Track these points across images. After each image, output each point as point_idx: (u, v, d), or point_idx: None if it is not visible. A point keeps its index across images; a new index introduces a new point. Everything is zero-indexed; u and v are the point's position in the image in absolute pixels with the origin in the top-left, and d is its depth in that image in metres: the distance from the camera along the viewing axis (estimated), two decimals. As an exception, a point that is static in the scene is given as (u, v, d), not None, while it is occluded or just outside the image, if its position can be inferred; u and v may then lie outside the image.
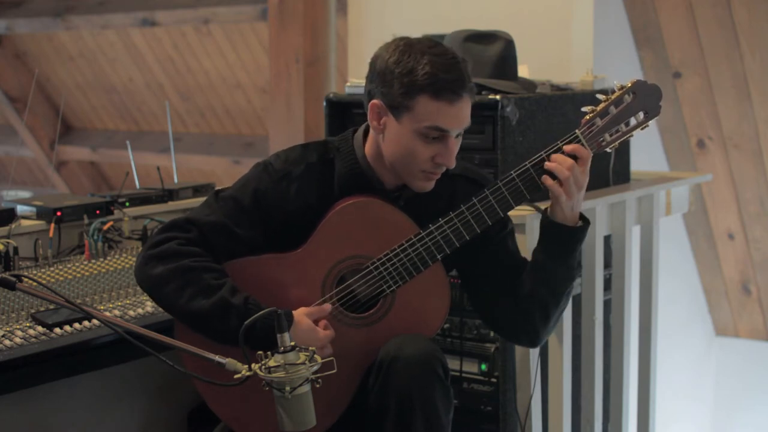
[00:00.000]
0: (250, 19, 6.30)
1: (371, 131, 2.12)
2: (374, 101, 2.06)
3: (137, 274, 2.05)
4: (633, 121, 2.07)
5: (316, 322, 2.03)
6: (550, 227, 2.09)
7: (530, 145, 2.70)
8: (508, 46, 2.86)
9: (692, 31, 4.54)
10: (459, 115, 2.02)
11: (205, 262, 2.02)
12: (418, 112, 2.00)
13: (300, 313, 2.02)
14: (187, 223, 2.07)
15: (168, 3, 6.68)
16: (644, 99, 2.07)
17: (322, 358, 1.90)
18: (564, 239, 2.09)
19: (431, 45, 2.03)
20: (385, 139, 2.07)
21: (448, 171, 2.13)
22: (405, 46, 2.02)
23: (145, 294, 2.08)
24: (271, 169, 2.12)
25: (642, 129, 2.08)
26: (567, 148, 2.04)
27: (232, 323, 1.95)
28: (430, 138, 2.02)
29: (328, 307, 2.06)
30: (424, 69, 1.98)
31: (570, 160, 2.03)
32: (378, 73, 2.04)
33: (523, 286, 2.15)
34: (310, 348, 1.74)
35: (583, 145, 2.05)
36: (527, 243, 2.49)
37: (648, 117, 2.07)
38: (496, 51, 2.82)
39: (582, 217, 2.11)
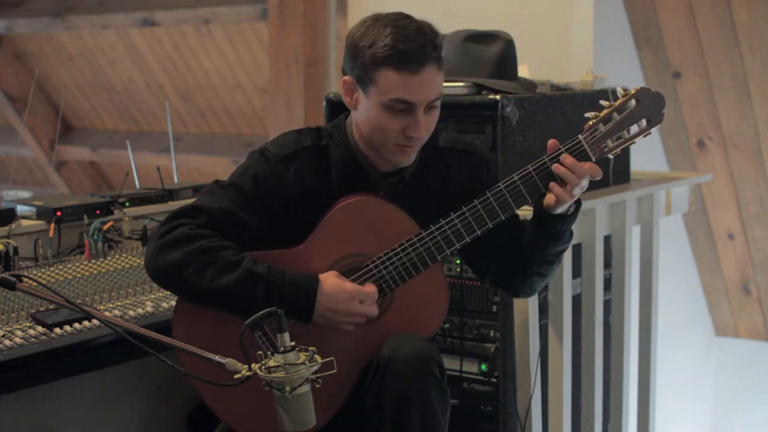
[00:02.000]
0: (250, 19, 6.30)
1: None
2: (345, 77, 2.07)
3: (150, 265, 2.04)
4: (635, 128, 2.07)
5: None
6: (544, 215, 2.10)
7: (530, 145, 2.70)
8: (508, 46, 2.86)
9: (692, 31, 4.54)
10: (423, 86, 2.00)
11: (219, 240, 2.03)
12: (381, 85, 2.00)
13: (328, 275, 2.03)
14: (194, 210, 2.07)
15: (168, 3, 6.68)
16: (647, 106, 2.06)
17: (357, 313, 1.99)
18: (558, 224, 2.10)
19: (398, 17, 2.02)
20: (357, 115, 2.09)
21: (437, 144, 2.16)
22: (371, 20, 2.03)
23: (158, 286, 2.09)
24: (267, 155, 2.12)
25: (644, 136, 2.08)
26: (585, 165, 2.03)
27: (259, 292, 1.97)
28: (397, 110, 2.01)
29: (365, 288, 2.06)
30: (384, 41, 1.97)
31: (584, 168, 2.03)
32: (348, 49, 2.05)
33: (519, 254, 2.16)
34: (310, 348, 1.74)
35: (586, 150, 2.05)
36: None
37: (651, 124, 2.07)
38: (496, 51, 2.82)
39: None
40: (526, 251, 2.15)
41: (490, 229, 2.10)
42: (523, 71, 2.98)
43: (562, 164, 2.03)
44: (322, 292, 2.00)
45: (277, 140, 2.16)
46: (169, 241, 2.02)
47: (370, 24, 2.02)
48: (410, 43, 1.97)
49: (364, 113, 2.06)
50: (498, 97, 2.64)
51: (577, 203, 2.11)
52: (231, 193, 2.09)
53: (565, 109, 2.85)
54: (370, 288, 2.05)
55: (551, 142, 2.07)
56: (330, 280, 2.02)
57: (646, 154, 4.51)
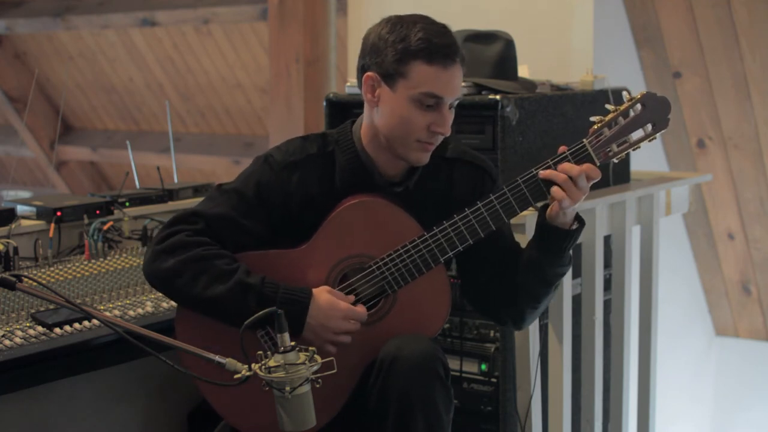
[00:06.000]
0: (250, 19, 6.30)
1: (365, 109, 2.13)
2: (368, 73, 2.07)
3: (147, 271, 2.05)
4: (640, 133, 2.07)
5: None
6: (546, 228, 2.09)
7: (530, 145, 2.70)
8: (508, 46, 2.86)
9: (692, 31, 4.54)
10: (452, 82, 2.05)
11: (215, 249, 2.03)
12: (413, 78, 2.02)
13: (321, 290, 2.03)
14: (192, 216, 2.08)
15: (168, 3, 6.68)
16: (653, 111, 2.06)
17: (347, 332, 1.99)
18: (559, 240, 2.09)
19: (422, 17, 2.07)
20: (380, 112, 2.08)
21: (445, 155, 2.16)
22: (396, 19, 2.06)
23: (155, 290, 2.10)
24: (272, 161, 2.13)
25: (649, 141, 2.08)
26: (584, 167, 2.03)
27: (251, 303, 1.97)
28: (425, 105, 2.04)
29: (351, 298, 2.07)
30: (417, 35, 2.01)
31: (577, 168, 2.03)
32: (371, 46, 2.07)
33: (515, 276, 2.15)
34: (310, 348, 1.74)
35: (590, 154, 2.04)
36: (526, 243, 2.49)
37: (656, 129, 2.06)
38: (496, 51, 2.82)
39: (577, 217, 2.11)
40: (524, 269, 2.14)
41: (491, 240, 2.10)
42: (523, 71, 2.98)
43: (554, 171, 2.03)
44: (315, 307, 2.01)
45: (282, 147, 2.17)
46: (165, 247, 2.03)
47: (395, 22, 2.05)
48: (442, 39, 2.03)
49: (387, 109, 2.06)
50: (498, 97, 2.64)
51: (580, 222, 2.11)
52: (232, 198, 2.09)
53: (565, 109, 2.85)
54: (362, 309, 2.06)
55: (561, 148, 2.07)
56: (324, 296, 2.02)
57: (646, 154, 4.51)
